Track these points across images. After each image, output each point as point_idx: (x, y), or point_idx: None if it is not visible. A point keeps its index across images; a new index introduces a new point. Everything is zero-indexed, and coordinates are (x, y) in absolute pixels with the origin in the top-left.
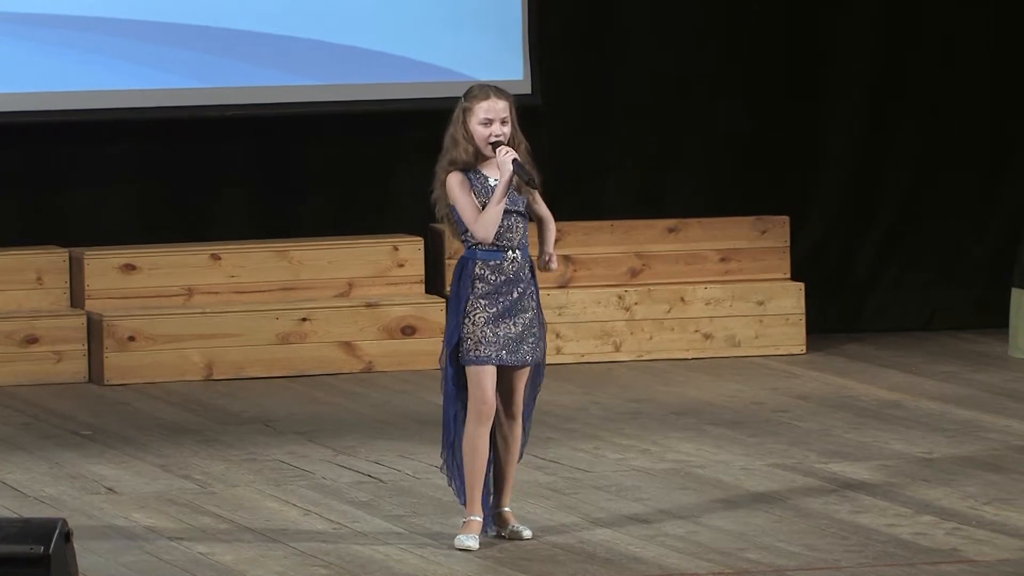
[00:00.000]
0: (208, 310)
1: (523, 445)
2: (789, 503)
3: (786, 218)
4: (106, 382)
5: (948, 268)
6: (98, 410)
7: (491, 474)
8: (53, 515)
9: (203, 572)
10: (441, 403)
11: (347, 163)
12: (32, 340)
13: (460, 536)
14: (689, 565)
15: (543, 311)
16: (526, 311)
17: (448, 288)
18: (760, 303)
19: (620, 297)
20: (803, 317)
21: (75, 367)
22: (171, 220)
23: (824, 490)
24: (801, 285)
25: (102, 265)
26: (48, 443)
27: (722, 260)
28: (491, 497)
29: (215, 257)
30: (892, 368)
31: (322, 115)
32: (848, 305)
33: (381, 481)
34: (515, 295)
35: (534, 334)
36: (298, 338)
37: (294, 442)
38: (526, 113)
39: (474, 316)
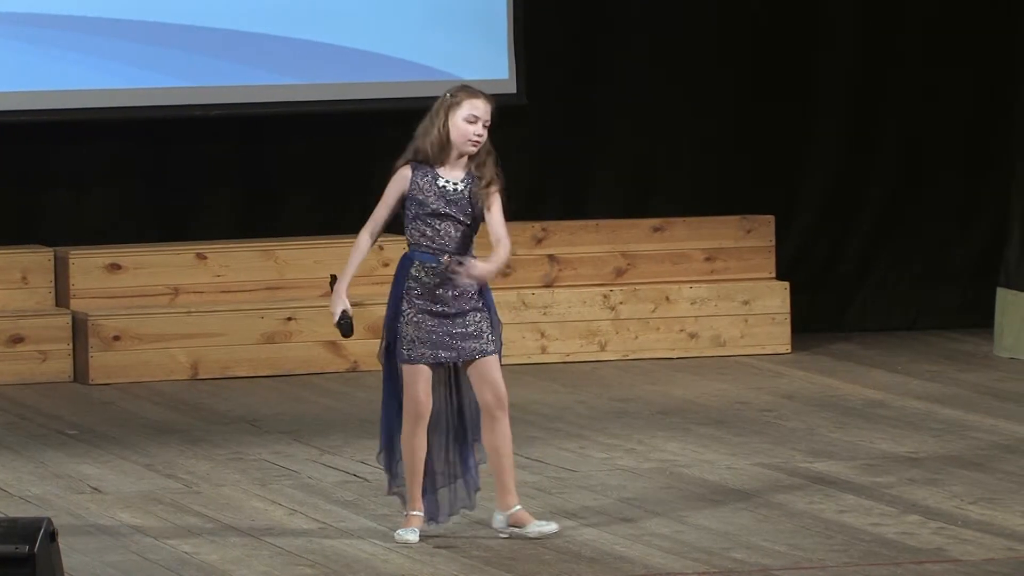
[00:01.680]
0: (193, 310)
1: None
2: (774, 502)
3: (771, 217)
4: (91, 381)
5: (933, 268)
6: (83, 410)
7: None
8: (38, 514)
9: (188, 571)
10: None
11: (332, 162)
12: (17, 339)
13: (399, 531)
14: (675, 564)
15: (495, 309)
16: (469, 312)
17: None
18: (745, 302)
19: (605, 297)
20: (788, 316)
21: (60, 367)
22: (156, 219)
23: (809, 489)
24: (786, 284)
25: (87, 264)
26: (33, 443)
27: (707, 259)
28: (453, 495)
29: (200, 257)
30: (877, 367)
31: (307, 114)
32: (833, 304)
33: (366, 481)
34: (451, 296)
35: (480, 330)
36: (283, 337)
37: (279, 441)
38: (511, 113)
39: (408, 316)
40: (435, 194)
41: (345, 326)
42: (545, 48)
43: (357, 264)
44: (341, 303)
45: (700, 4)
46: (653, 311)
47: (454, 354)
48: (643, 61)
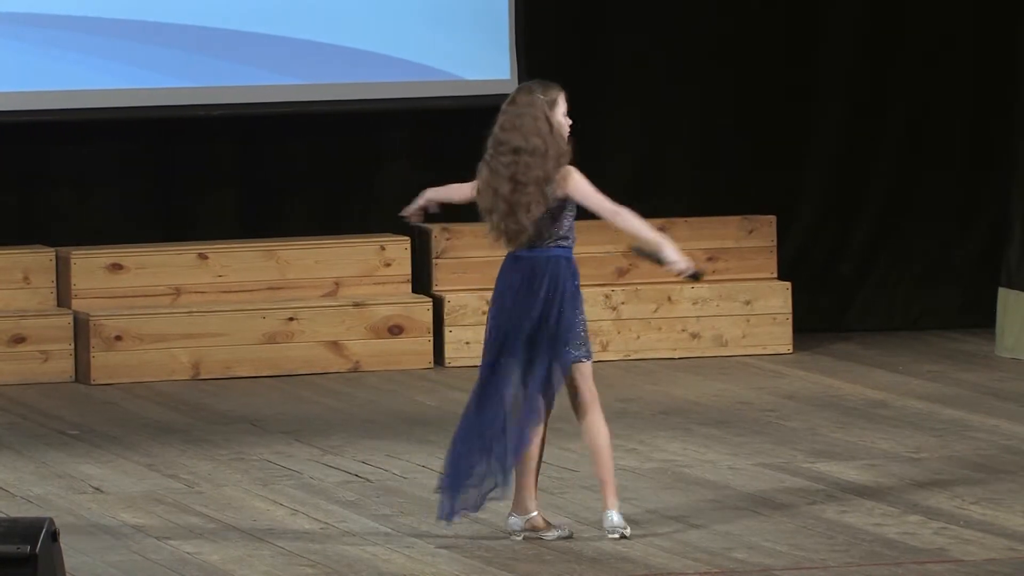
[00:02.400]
0: (195, 310)
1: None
2: (776, 503)
3: (773, 218)
4: (93, 382)
5: (934, 268)
6: (85, 410)
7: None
8: (40, 515)
9: (190, 571)
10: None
11: (334, 162)
12: (19, 339)
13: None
14: (676, 564)
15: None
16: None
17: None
18: (747, 303)
19: (607, 296)
20: (790, 316)
21: (62, 367)
22: (158, 220)
23: (811, 490)
24: (788, 285)
25: (89, 265)
26: (35, 443)
27: (709, 259)
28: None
29: (202, 257)
30: (879, 367)
31: (309, 114)
32: (835, 304)
33: (368, 481)
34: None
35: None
36: (285, 338)
37: (281, 442)
38: None
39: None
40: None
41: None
42: (546, 48)
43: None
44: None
45: (701, 4)
46: (655, 311)
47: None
48: (644, 61)
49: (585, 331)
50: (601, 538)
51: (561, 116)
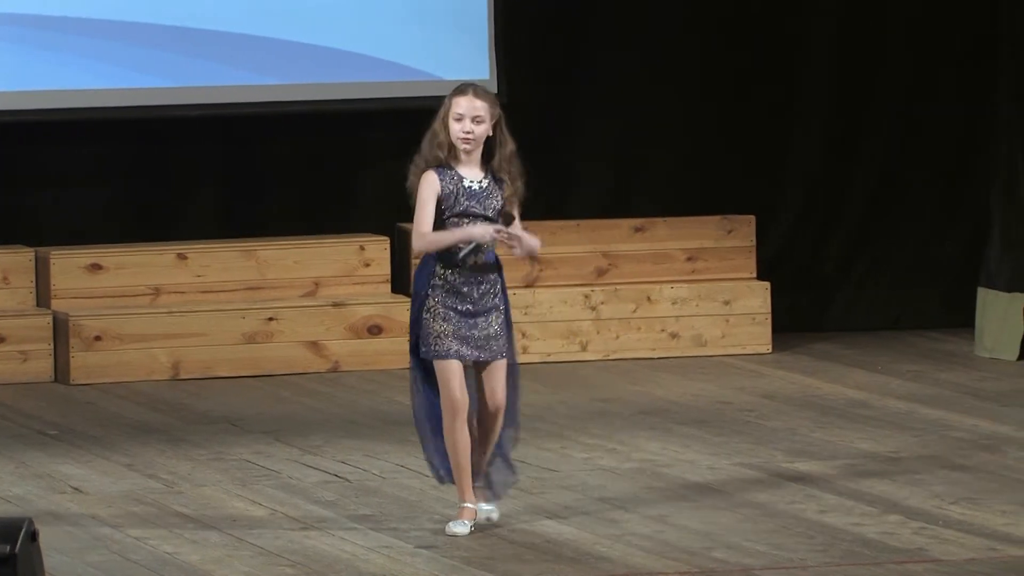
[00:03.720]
0: (174, 310)
1: (509, 442)
2: (755, 502)
3: (752, 217)
4: (72, 382)
5: (914, 268)
6: (64, 410)
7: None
8: (19, 514)
9: (169, 571)
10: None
11: (313, 162)
12: None
13: (450, 523)
14: (656, 564)
15: (511, 312)
16: (492, 310)
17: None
18: (726, 302)
19: (586, 297)
20: (769, 316)
21: (41, 367)
22: (137, 220)
23: (790, 489)
24: (767, 284)
25: (68, 264)
26: (14, 442)
27: (688, 259)
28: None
29: (181, 257)
30: (858, 367)
31: (289, 114)
32: (814, 304)
33: (347, 481)
34: (477, 295)
35: (500, 331)
36: (264, 338)
37: (260, 441)
38: None
39: (435, 311)
40: (463, 193)
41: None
42: (526, 47)
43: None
44: (481, 227)
45: (681, 4)
46: (634, 311)
47: (481, 353)
48: (624, 61)
49: (433, 332)
50: (581, 538)
51: (451, 120)
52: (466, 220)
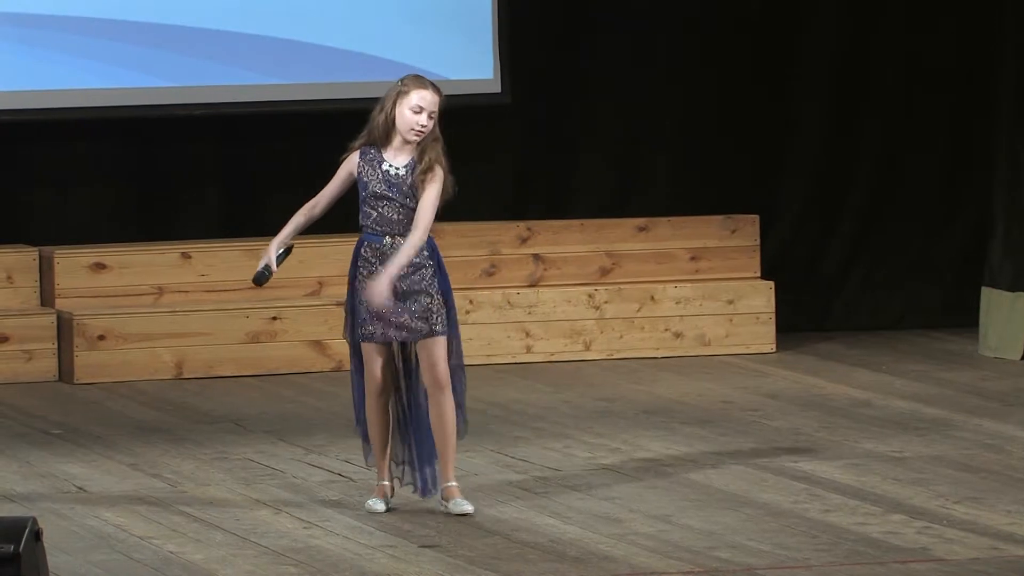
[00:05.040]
0: (178, 309)
1: (460, 422)
2: (759, 502)
3: (756, 217)
4: (76, 381)
5: (918, 267)
6: (68, 409)
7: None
8: (23, 514)
9: (173, 571)
10: None
11: (316, 162)
12: (2, 339)
13: (368, 501)
14: (659, 564)
15: (451, 292)
16: (416, 293)
17: None
18: (730, 302)
19: (590, 296)
20: (773, 316)
21: (45, 366)
22: (141, 219)
23: (794, 489)
24: (771, 284)
25: (72, 264)
26: (18, 442)
27: (692, 259)
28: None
29: (185, 256)
30: (862, 367)
31: (293, 114)
32: (818, 304)
33: (351, 480)
34: (399, 277)
35: (425, 312)
36: (268, 337)
37: (264, 441)
38: (496, 112)
39: (360, 295)
40: (378, 178)
41: (260, 275)
42: (529, 47)
43: (289, 230)
44: (266, 258)
45: (684, 4)
46: (638, 311)
47: (404, 334)
48: (627, 60)
49: (359, 314)
50: (584, 538)
51: (407, 109)
52: (379, 203)
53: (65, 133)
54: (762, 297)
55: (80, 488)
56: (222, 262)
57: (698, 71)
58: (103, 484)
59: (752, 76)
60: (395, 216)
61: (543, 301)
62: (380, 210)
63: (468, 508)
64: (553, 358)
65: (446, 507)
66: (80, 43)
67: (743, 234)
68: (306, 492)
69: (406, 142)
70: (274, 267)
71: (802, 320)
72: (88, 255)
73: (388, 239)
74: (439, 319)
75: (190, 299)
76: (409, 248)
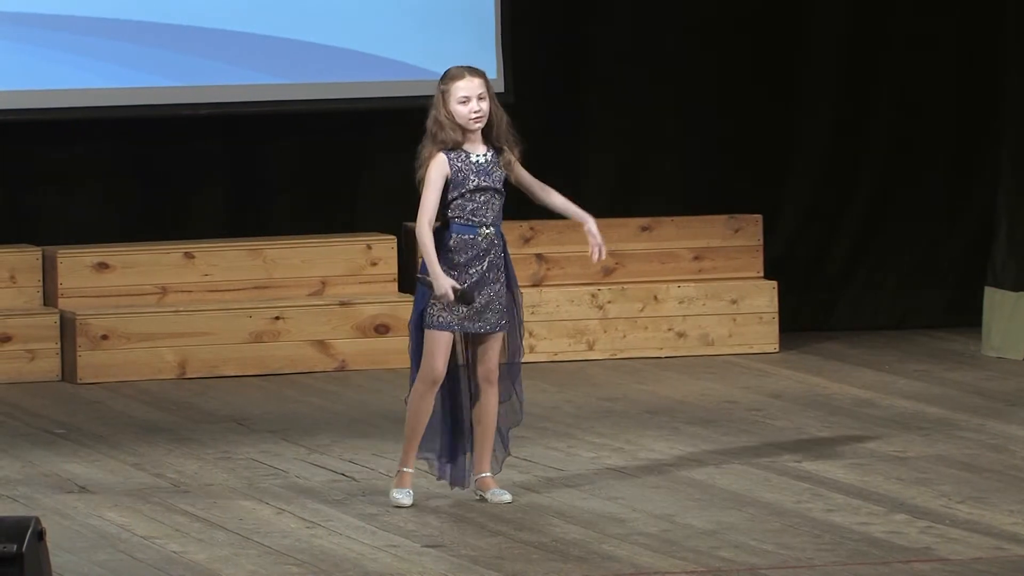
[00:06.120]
0: (181, 309)
1: (520, 412)
2: (762, 501)
3: (759, 217)
4: (79, 380)
5: (921, 267)
6: (71, 408)
7: (472, 438)
8: (26, 513)
9: (176, 570)
10: None
11: (320, 162)
12: (5, 339)
13: (393, 492)
14: (663, 563)
15: (519, 287)
16: (493, 283)
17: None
18: (733, 302)
19: (593, 296)
20: (776, 316)
21: (48, 365)
22: (144, 219)
23: (797, 488)
24: (774, 284)
25: (75, 264)
26: (21, 441)
27: (695, 259)
28: (470, 461)
29: (188, 256)
30: (865, 367)
31: (295, 113)
32: (821, 304)
33: (354, 480)
34: (483, 267)
35: (501, 304)
36: (271, 337)
37: (267, 441)
38: None
39: (437, 284)
40: (472, 171)
41: (467, 295)
42: (533, 47)
43: (435, 251)
44: (448, 280)
45: (688, 4)
46: (641, 310)
47: (478, 325)
48: (631, 61)
49: (436, 303)
50: (588, 537)
51: (455, 105)
52: (479, 195)
53: (69, 133)
54: (765, 297)
55: (83, 488)
56: (225, 262)
57: (701, 70)
58: (106, 484)
59: (755, 75)
60: (495, 203)
61: (546, 301)
62: (478, 202)
63: (507, 497)
64: (556, 358)
65: (483, 496)
66: (86, 43)
67: (746, 234)
68: (309, 492)
69: (473, 132)
70: (457, 285)
71: (805, 320)
72: (91, 255)
73: (483, 230)
74: (506, 313)
75: (193, 299)
76: (570, 204)
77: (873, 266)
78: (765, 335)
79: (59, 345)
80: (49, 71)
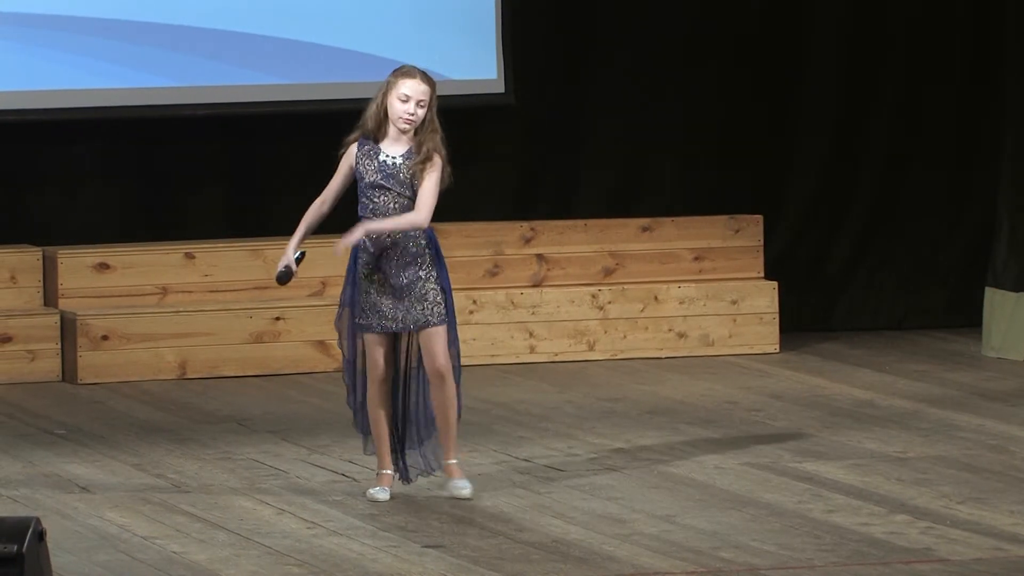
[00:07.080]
0: (182, 309)
1: (459, 402)
2: (763, 502)
3: (759, 217)
4: (80, 381)
5: (921, 267)
6: (72, 409)
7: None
8: (26, 514)
9: (176, 571)
10: None
11: (320, 162)
12: (6, 339)
13: (370, 489)
14: (663, 564)
15: (449, 282)
16: (413, 283)
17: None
18: (734, 302)
19: (594, 296)
20: (776, 316)
21: (49, 366)
22: (145, 219)
23: (797, 489)
24: (774, 284)
25: (76, 264)
26: (21, 442)
27: (696, 259)
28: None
29: (189, 256)
30: (865, 367)
31: (295, 114)
32: (821, 304)
33: (355, 480)
34: (393, 267)
35: (425, 301)
36: (272, 337)
37: (268, 441)
38: (500, 112)
39: (360, 285)
40: (375, 168)
41: (283, 275)
42: (533, 48)
43: (302, 231)
44: (286, 259)
45: (687, 5)
46: (641, 311)
47: (400, 324)
48: (631, 60)
49: (359, 303)
50: (588, 538)
51: (395, 99)
52: (375, 193)
53: (69, 133)
54: (766, 297)
55: (83, 488)
56: (226, 262)
57: (702, 70)
58: (106, 484)
59: (756, 76)
60: (392, 206)
61: (547, 301)
62: (377, 200)
63: (466, 492)
64: (557, 358)
65: (446, 487)
66: (86, 43)
67: (747, 234)
68: (310, 492)
69: (400, 132)
70: (294, 268)
71: (806, 320)
72: (92, 255)
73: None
74: (437, 310)
75: (194, 299)
76: (404, 220)
77: (873, 266)
78: (765, 335)
79: (60, 345)
80: (49, 71)
